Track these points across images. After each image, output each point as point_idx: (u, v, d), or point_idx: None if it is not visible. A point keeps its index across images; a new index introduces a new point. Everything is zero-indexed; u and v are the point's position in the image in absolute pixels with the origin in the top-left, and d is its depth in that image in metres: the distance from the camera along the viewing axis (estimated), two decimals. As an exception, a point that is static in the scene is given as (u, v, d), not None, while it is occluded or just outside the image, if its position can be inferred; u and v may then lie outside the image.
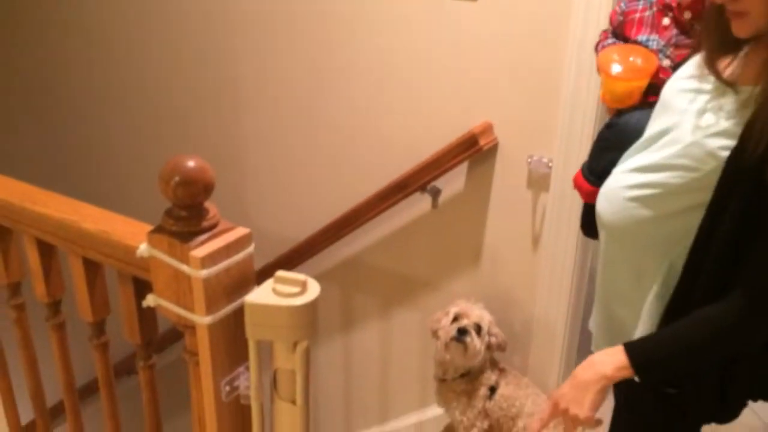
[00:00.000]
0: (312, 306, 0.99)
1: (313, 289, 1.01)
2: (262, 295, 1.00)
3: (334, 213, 2.38)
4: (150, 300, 1.08)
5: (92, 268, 1.22)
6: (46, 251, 1.29)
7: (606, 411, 1.24)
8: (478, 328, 1.94)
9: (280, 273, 1.00)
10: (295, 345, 1.01)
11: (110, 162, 3.02)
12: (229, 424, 1.11)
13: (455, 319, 1.96)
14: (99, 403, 1.40)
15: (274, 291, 0.99)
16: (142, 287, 1.14)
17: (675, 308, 1.13)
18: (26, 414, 1.65)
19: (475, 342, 1.92)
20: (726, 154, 1.01)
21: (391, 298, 2.47)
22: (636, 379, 1.12)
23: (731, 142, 1.00)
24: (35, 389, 1.50)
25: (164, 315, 1.08)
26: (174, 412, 1.90)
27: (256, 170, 2.64)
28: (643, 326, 1.19)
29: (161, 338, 2.65)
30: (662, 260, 1.14)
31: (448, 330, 1.94)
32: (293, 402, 1.05)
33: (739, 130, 1.00)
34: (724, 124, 1.02)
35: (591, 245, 2.05)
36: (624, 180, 1.18)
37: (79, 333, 1.41)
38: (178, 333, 2.83)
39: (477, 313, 1.97)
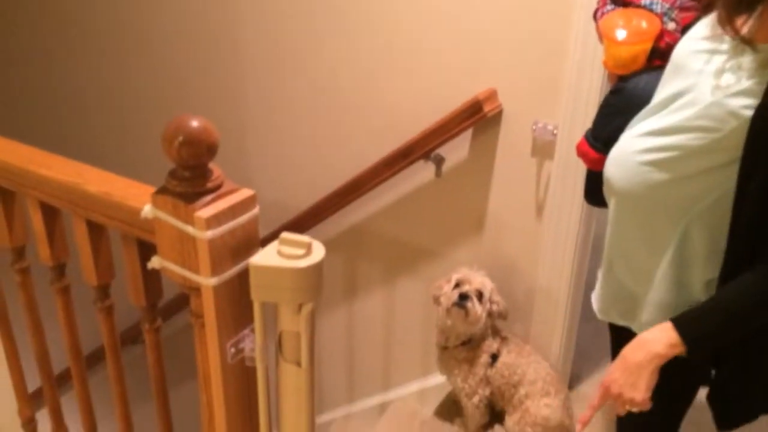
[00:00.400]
0: (317, 268, 0.99)
1: (318, 252, 1.00)
2: (267, 257, 1.00)
3: (338, 181, 2.37)
4: (155, 262, 1.08)
5: (96, 231, 1.22)
6: (50, 214, 1.28)
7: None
8: (480, 295, 1.95)
9: (285, 235, 1.00)
10: (299, 307, 1.01)
11: (111, 125, 3.00)
12: (234, 386, 1.12)
13: (457, 285, 1.97)
14: (104, 372, 1.40)
15: (279, 253, 0.99)
16: (146, 250, 1.14)
17: (726, 276, 1.10)
18: (32, 383, 1.66)
19: (476, 307, 1.93)
20: (749, 113, 1.00)
21: (394, 266, 2.47)
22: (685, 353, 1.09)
23: (754, 101, 1.00)
24: (41, 353, 1.51)
25: (169, 277, 1.08)
26: (178, 380, 1.91)
27: (258, 138, 2.62)
28: (654, 294, 1.19)
29: (164, 308, 2.67)
30: (677, 223, 1.13)
31: (450, 295, 1.95)
32: (298, 364, 1.06)
33: (761, 89, 0.99)
34: (746, 83, 1.01)
35: (595, 214, 2.05)
36: (636, 144, 1.17)
37: (85, 305, 1.41)
38: (180, 302, 2.85)
39: (479, 280, 1.97)
